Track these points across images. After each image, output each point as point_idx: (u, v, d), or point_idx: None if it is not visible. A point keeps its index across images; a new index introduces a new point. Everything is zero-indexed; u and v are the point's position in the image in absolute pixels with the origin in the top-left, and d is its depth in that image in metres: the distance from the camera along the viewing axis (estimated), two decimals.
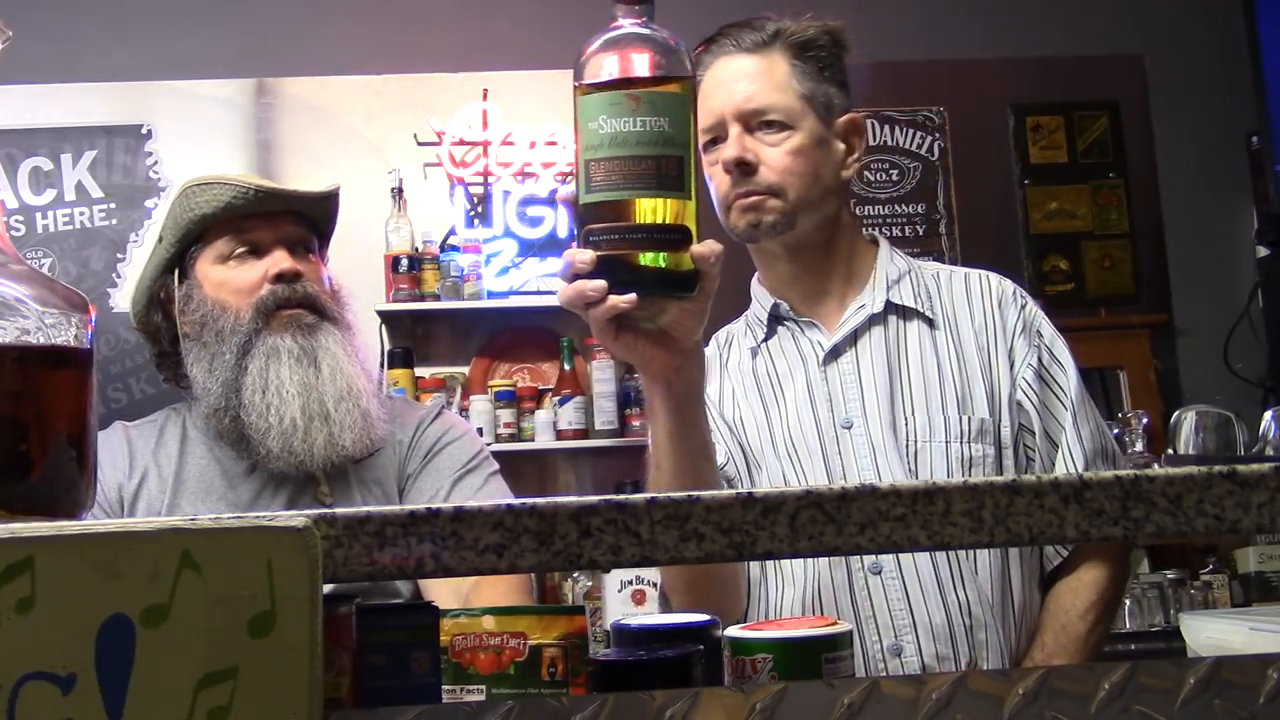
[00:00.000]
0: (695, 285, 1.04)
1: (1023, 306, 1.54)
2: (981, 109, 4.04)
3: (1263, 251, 3.82)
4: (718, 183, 1.49)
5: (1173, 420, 1.44)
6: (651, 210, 1.00)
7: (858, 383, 1.51)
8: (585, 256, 1.01)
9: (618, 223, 1.00)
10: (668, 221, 1.01)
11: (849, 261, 1.57)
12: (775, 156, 1.47)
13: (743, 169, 1.46)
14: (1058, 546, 1.50)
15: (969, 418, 1.47)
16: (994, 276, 1.58)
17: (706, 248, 1.03)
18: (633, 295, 1.02)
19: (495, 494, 1.71)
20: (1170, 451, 1.42)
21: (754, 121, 1.47)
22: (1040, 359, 1.51)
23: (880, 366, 1.51)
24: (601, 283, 1.01)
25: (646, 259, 1.01)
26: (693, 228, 1.02)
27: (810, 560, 1.46)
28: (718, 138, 1.48)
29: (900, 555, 1.44)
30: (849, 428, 1.49)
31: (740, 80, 1.48)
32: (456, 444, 1.73)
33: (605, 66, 1.01)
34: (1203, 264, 3.95)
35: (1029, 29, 4.01)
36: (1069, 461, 1.48)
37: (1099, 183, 4.02)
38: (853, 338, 1.53)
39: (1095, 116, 4.04)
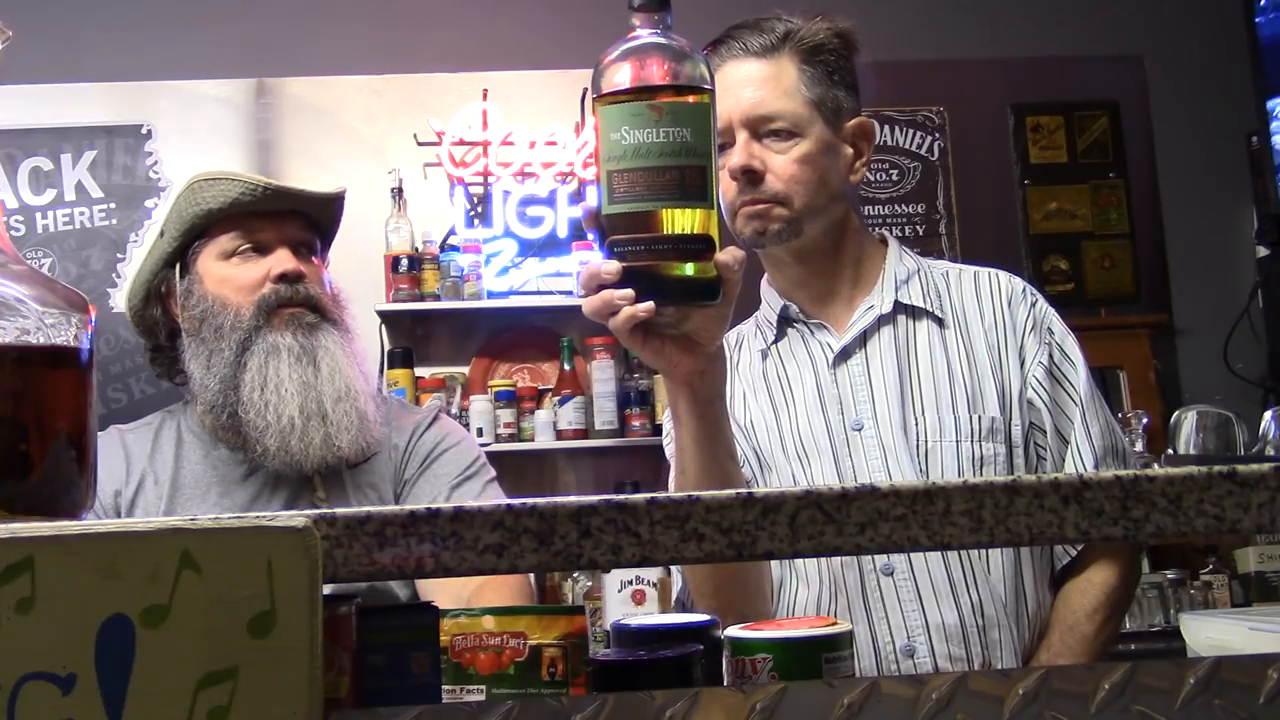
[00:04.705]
0: (719, 292, 1.03)
1: (1033, 304, 1.53)
2: (981, 109, 4.04)
3: (1263, 251, 3.81)
4: (724, 188, 1.47)
5: (1173, 420, 1.43)
6: (676, 220, 1.00)
7: (868, 384, 1.50)
8: (611, 268, 1.01)
9: (643, 233, 1.00)
10: (692, 231, 1.00)
11: (857, 263, 1.55)
12: (782, 165, 1.45)
13: (749, 177, 1.44)
14: (1065, 545, 1.49)
15: (980, 417, 1.46)
16: (1003, 275, 1.56)
17: (730, 255, 1.02)
18: (650, 304, 1.02)
19: None
20: (1170, 451, 1.42)
21: (761, 129, 1.45)
22: (1051, 356, 1.50)
23: (890, 367, 1.50)
24: (629, 291, 1.01)
25: (672, 269, 1.01)
26: (715, 235, 1.02)
27: (824, 562, 1.45)
28: (724, 143, 1.46)
29: (912, 556, 1.43)
30: (859, 430, 1.48)
31: (747, 86, 1.46)
32: (454, 450, 1.72)
33: (625, 77, 1.00)
34: (1203, 264, 3.95)
35: (1029, 29, 4.01)
36: (1078, 459, 1.47)
37: (1099, 183, 4.03)
38: (862, 339, 1.52)
39: (1095, 116, 4.05)
